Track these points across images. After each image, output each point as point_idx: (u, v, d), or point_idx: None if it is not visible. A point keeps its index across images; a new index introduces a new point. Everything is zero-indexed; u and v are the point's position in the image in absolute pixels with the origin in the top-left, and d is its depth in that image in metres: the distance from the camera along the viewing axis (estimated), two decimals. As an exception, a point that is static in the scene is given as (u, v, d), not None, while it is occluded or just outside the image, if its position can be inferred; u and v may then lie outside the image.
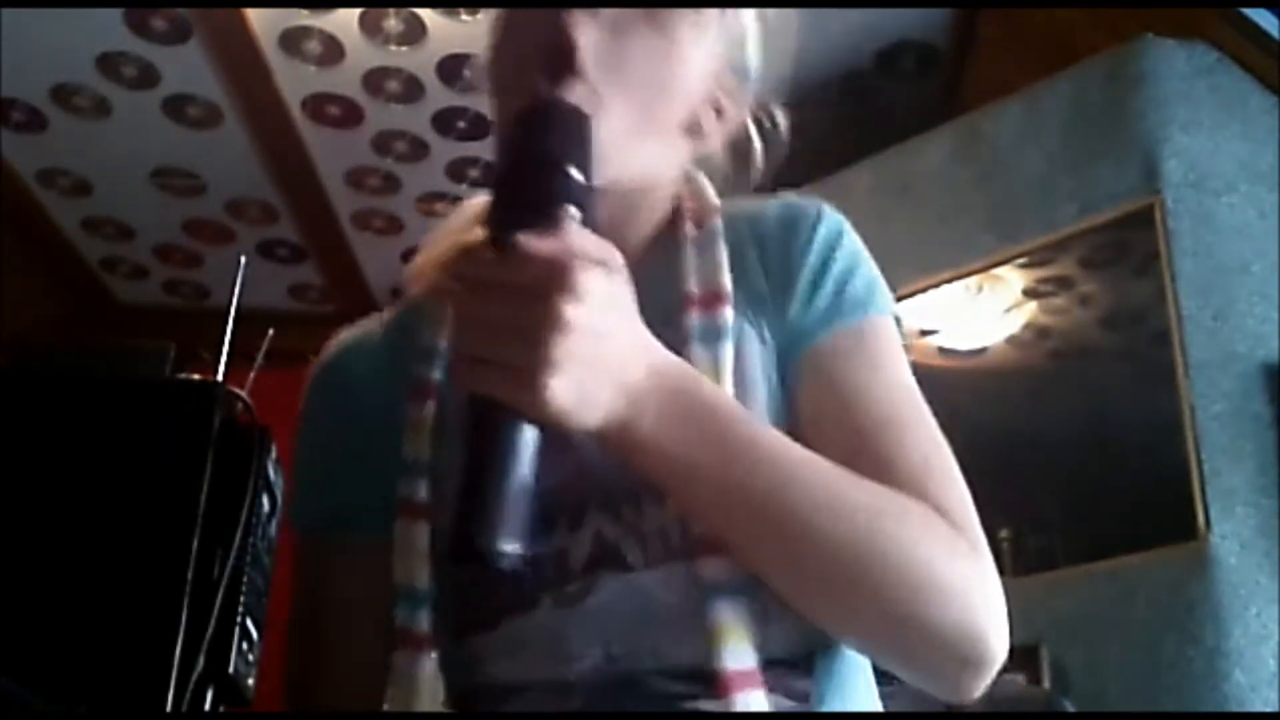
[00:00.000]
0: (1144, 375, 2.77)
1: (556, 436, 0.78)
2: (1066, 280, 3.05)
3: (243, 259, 2.84)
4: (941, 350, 3.26)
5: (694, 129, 0.85)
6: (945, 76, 3.81)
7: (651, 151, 0.83)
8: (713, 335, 0.80)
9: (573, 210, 0.67)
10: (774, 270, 0.84)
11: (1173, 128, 2.80)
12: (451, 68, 3.79)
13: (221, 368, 2.26)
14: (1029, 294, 3.11)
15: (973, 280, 3.15)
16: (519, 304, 0.62)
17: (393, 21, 3.64)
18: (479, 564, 0.61)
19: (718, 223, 0.87)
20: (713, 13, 0.85)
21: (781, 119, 0.93)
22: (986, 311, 3.19)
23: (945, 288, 3.15)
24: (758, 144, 0.91)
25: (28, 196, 4.51)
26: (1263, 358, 2.62)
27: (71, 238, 4.81)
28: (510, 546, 0.61)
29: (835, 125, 3.63)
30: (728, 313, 0.81)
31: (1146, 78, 2.87)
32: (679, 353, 0.74)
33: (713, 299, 0.82)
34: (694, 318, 0.81)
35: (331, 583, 0.85)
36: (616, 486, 0.78)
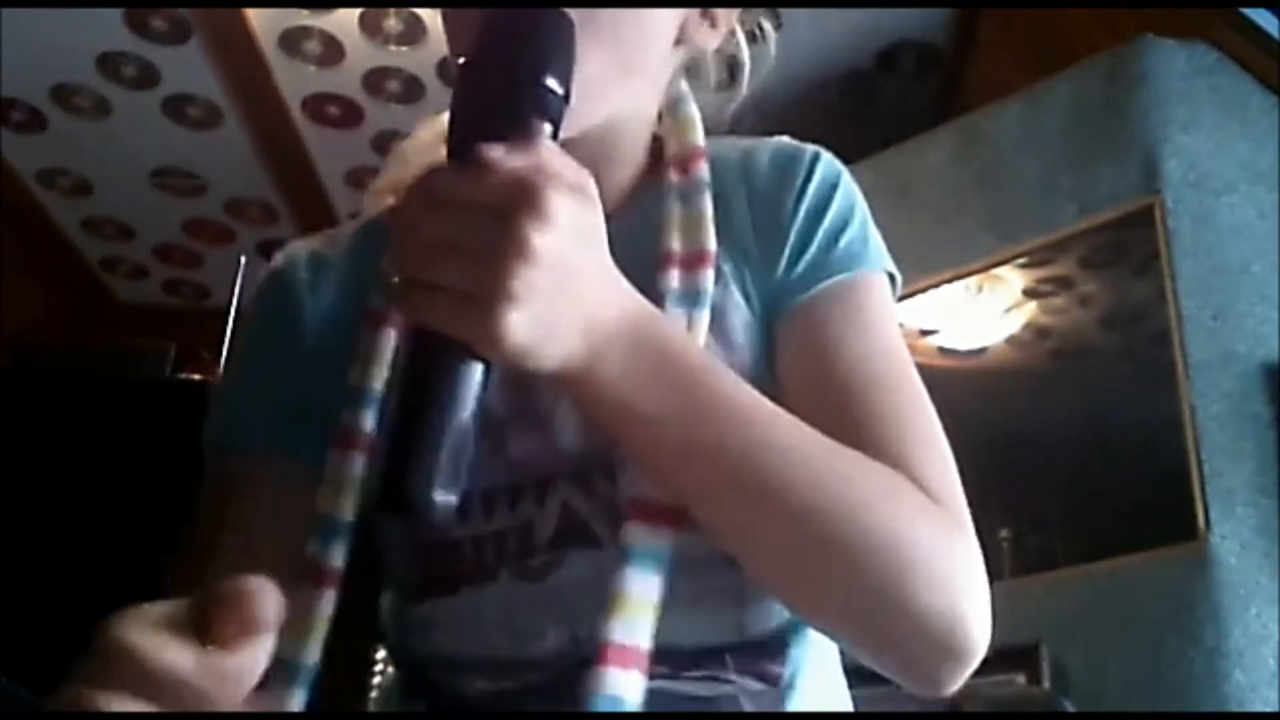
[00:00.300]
0: (1144, 375, 2.77)
1: (527, 401, 0.74)
2: (1066, 280, 3.05)
3: (243, 259, 2.85)
4: (941, 350, 3.26)
5: (683, 39, 0.79)
6: (945, 76, 3.81)
7: (632, 88, 0.77)
8: (691, 298, 0.73)
9: (547, 128, 0.60)
10: (763, 220, 0.79)
11: (1173, 128, 2.80)
12: (452, 68, 3.79)
13: (221, 368, 2.27)
14: (1029, 294, 3.11)
15: (973, 280, 3.14)
16: (479, 224, 0.54)
17: (393, 21, 3.64)
18: (406, 514, 0.55)
19: (704, 169, 0.79)
20: None
21: (770, 28, 0.86)
22: (986, 311, 3.18)
23: (945, 288, 3.14)
24: (745, 54, 0.85)
25: (28, 196, 4.51)
26: (1263, 358, 2.61)
27: (71, 238, 4.81)
28: (443, 497, 0.54)
29: (835, 125, 3.63)
30: (710, 275, 0.74)
31: (1146, 78, 2.86)
32: None
33: (696, 259, 0.75)
34: (673, 278, 0.74)
35: (248, 505, 0.75)
36: (590, 457, 0.73)
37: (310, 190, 4.47)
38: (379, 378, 0.74)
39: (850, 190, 0.80)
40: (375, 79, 3.89)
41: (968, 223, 3.13)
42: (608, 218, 0.61)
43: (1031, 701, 2.13)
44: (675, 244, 0.76)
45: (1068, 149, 2.98)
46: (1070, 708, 1.92)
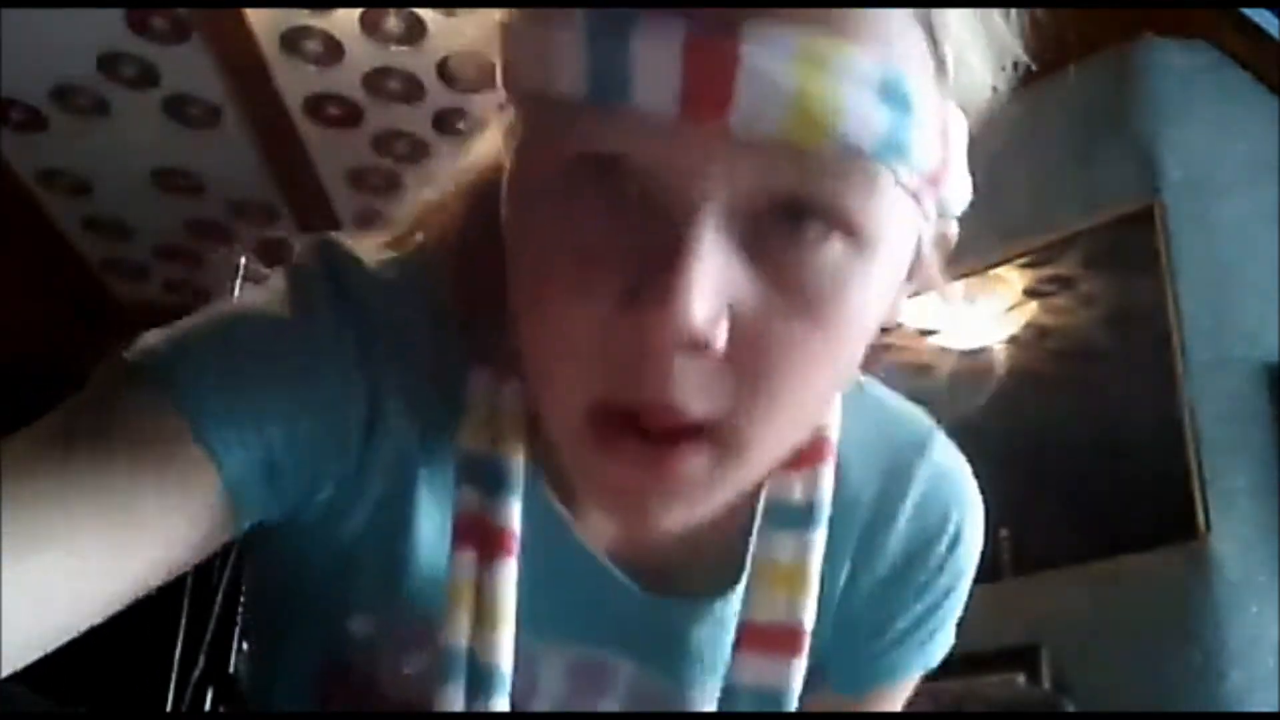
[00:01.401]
0: (1144, 375, 2.77)
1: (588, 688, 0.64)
2: (1067, 280, 3.05)
3: (243, 259, 2.85)
4: (941, 350, 3.26)
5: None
6: (945, 76, 3.81)
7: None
8: (770, 698, 0.57)
9: None
10: (866, 598, 0.66)
11: (1173, 128, 2.80)
12: (451, 68, 3.79)
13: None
14: (1029, 294, 3.11)
15: (973, 280, 3.15)
16: None
17: (393, 21, 3.64)
18: None
19: (827, 487, 0.59)
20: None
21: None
22: (986, 311, 3.18)
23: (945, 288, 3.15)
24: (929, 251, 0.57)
25: (28, 196, 4.51)
26: (1263, 358, 2.62)
27: (71, 238, 4.81)
28: None
29: (835, 125, 3.63)
30: (796, 672, 0.57)
31: (1146, 77, 2.87)
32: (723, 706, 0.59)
33: (785, 640, 0.57)
34: (749, 669, 0.57)
35: (162, 464, 0.52)
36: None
37: (310, 190, 4.47)
38: (497, 640, 0.53)
39: (970, 574, 0.68)
40: (375, 79, 3.88)
41: (968, 223, 3.12)
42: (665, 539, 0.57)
43: (1031, 701, 2.12)
44: (766, 610, 0.58)
45: (1068, 149, 2.98)
46: (1070, 708, 1.92)
